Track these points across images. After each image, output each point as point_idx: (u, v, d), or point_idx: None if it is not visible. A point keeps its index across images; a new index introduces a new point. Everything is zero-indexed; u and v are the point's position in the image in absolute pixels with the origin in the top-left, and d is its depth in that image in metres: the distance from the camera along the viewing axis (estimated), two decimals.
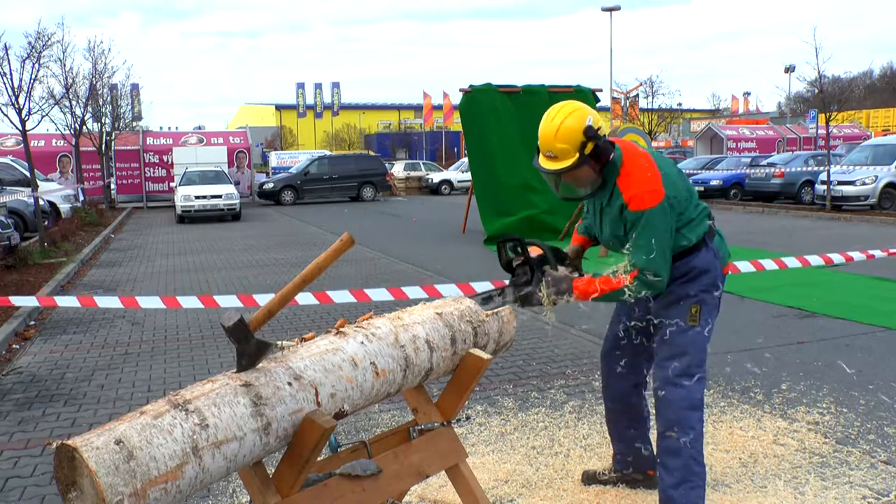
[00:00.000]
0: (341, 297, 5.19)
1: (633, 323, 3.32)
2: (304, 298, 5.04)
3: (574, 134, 2.92)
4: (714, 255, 3.12)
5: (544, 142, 2.99)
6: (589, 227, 3.42)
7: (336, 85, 63.60)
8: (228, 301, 5.05)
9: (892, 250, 6.70)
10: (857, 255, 6.26)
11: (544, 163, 3.03)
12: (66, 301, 5.29)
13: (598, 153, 2.94)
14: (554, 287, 3.05)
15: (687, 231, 3.05)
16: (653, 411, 3.34)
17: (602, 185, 3.03)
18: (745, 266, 5.87)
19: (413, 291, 5.20)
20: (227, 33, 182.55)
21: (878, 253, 6.55)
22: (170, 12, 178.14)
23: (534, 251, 3.17)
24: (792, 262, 6.10)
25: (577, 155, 2.93)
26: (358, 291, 5.23)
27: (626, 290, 2.96)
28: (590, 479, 3.58)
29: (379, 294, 5.19)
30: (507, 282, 3.26)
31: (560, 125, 2.94)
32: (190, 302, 5.10)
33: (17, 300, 5.01)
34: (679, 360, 3.06)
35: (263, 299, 4.90)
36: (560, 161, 2.97)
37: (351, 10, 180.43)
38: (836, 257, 6.14)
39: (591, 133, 2.92)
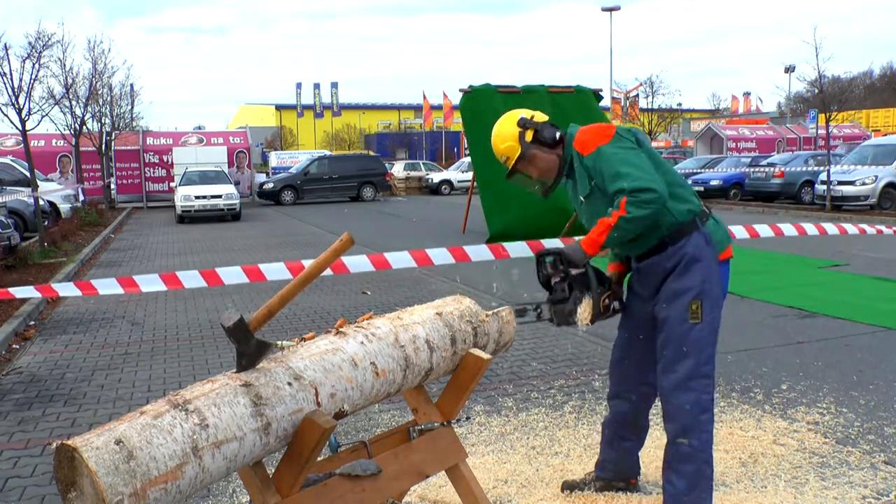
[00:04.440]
0: (358, 263, 5.06)
1: (641, 328, 3.19)
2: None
3: (509, 129, 3.14)
4: (706, 241, 2.98)
5: (496, 153, 3.19)
6: (619, 253, 3.27)
7: (335, 85, 63.57)
8: (232, 275, 4.96)
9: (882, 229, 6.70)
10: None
11: (508, 171, 3.20)
12: (65, 289, 5.24)
13: (540, 137, 3.11)
14: (571, 257, 2.99)
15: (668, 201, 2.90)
16: (647, 414, 3.33)
17: (571, 164, 3.12)
18: (739, 232, 5.84)
19: (439, 255, 5.09)
20: (221, 29, 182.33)
21: (885, 229, 6.51)
22: (135, 8, 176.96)
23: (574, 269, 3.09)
24: (789, 230, 6.09)
25: (521, 146, 3.11)
26: (377, 255, 5.12)
27: (624, 220, 2.81)
28: (570, 488, 3.48)
29: (401, 259, 5.12)
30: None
31: (496, 133, 3.17)
32: (191, 280, 5.00)
33: (16, 291, 5.00)
34: (685, 362, 2.95)
35: (269, 270, 4.86)
36: (511, 159, 3.16)
37: (351, 6, 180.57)
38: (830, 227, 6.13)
39: (523, 122, 3.12)
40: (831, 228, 6.17)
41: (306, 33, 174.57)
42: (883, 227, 6.59)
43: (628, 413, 3.32)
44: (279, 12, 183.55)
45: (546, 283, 3.13)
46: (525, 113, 3.17)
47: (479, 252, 5.17)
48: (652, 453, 3.88)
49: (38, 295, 5.09)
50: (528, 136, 3.11)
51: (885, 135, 31.69)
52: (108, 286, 5.01)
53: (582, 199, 3.09)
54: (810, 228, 6.06)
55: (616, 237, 2.90)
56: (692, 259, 2.95)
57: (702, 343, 2.96)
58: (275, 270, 4.88)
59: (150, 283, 5.00)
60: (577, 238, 3.13)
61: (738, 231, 6.06)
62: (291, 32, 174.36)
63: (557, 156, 3.14)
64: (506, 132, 3.15)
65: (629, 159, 2.88)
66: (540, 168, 3.16)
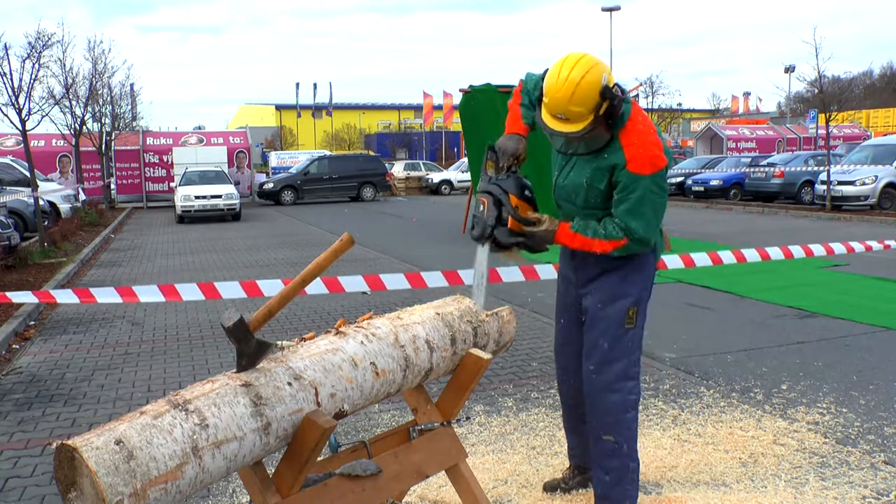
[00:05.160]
0: (353, 283, 5.04)
1: (573, 312, 3.22)
2: (314, 287, 4.77)
3: (591, 97, 2.71)
4: (653, 250, 3.04)
5: (556, 104, 2.74)
6: (533, 117, 3.05)
7: (331, 85, 63.63)
8: (230, 289, 4.97)
9: (887, 242, 6.70)
10: (856, 247, 6.27)
11: (553, 124, 2.80)
12: (63, 296, 5.24)
13: (611, 112, 2.77)
14: (543, 241, 2.96)
15: None
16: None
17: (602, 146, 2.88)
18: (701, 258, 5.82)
19: (433, 278, 5.09)
20: (221, 28, 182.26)
21: (875, 245, 6.56)
22: (129, 6, 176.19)
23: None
24: (776, 252, 6.08)
25: (592, 117, 2.74)
26: (373, 277, 5.09)
27: (605, 252, 2.89)
28: (552, 489, 3.47)
29: (395, 281, 5.09)
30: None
31: (576, 88, 2.69)
32: (189, 293, 4.99)
33: (13, 295, 4.99)
34: (615, 365, 3.00)
35: (266, 286, 4.85)
36: (573, 124, 2.76)
37: (355, 5, 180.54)
38: (838, 247, 6.15)
39: (607, 94, 2.72)
40: (839, 248, 6.18)
41: (306, 33, 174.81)
42: (892, 242, 6.61)
43: (577, 397, 3.28)
44: (279, 11, 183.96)
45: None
46: (607, 73, 2.74)
47: (511, 273, 5.15)
48: (652, 453, 3.88)
49: (35, 300, 5.06)
50: (603, 108, 2.73)
51: (886, 135, 31.70)
52: (106, 295, 5.00)
53: (584, 182, 2.93)
54: (817, 249, 6.08)
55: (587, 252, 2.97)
56: (638, 266, 3.01)
57: (632, 346, 3.04)
58: (272, 286, 4.88)
59: (148, 294, 4.98)
60: (555, 222, 2.97)
61: (750, 254, 6.06)
62: (292, 32, 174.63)
63: (608, 130, 2.83)
64: (586, 97, 2.70)
65: (658, 208, 2.86)
66: (588, 142, 2.87)
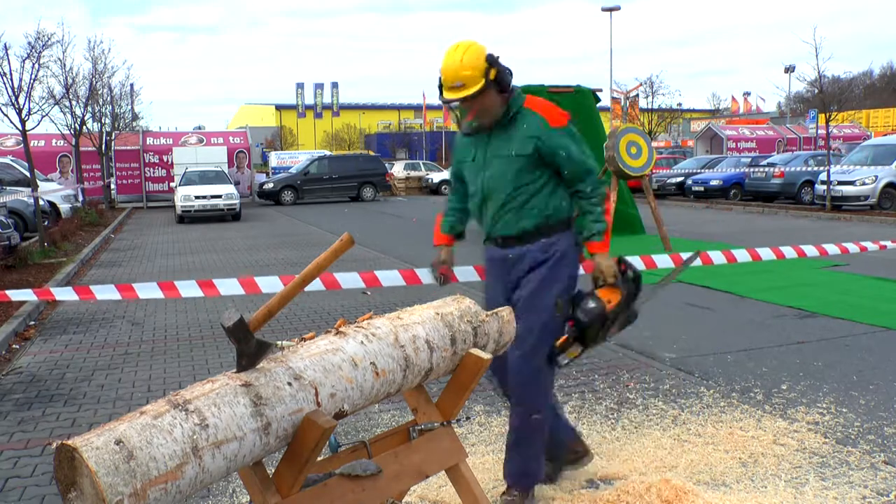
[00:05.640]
0: (350, 280, 5.06)
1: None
2: (312, 285, 4.84)
3: (478, 60, 3.15)
4: (576, 242, 3.31)
5: (450, 73, 3.16)
6: (454, 225, 3.77)
7: (335, 85, 63.63)
8: (228, 286, 4.97)
9: (882, 243, 6.69)
10: (851, 247, 6.27)
11: (452, 94, 3.19)
12: (63, 293, 5.23)
13: (500, 79, 3.17)
14: (606, 268, 3.26)
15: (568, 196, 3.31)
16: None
17: (506, 113, 3.23)
18: (717, 257, 5.81)
19: (426, 274, 5.10)
20: (220, 28, 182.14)
21: (870, 245, 6.55)
22: (126, 5, 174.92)
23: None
24: (766, 253, 6.08)
25: (483, 80, 3.14)
26: (368, 273, 5.11)
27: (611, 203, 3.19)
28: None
29: (390, 278, 5.11)
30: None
31: (463, 55, 3.16)
32: (188, 290, 4.99)
33: (13, 293, 4.98)
34: (542, 349, 3.22)
35: (265, 283, 4.86)
36: (468, 88, 3.15)
37: (355, 5, 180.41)
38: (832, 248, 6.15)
39: (492, 59, 3.16)
40: (832, 249, 6.18)
41: (306, 33, 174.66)
42: (888, 243, 6.60)
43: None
44: (278, 11, 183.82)
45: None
46: (489, 50, 3.24)
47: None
48: (652, 453, 3.88)
49: (34, 298, 5.06)
50: (492, 74, 3.16)
51: (886, 135, 31.71)
52: (106, 292, 4.99)
53: (513, 153, 3.22)
54: (810, 250, 6.09)
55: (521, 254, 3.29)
56: (563, 255, 3.26)
57: (556, 332, 3.25)
58: (271, 283, 4.89)
59: (147, 291, 4.98)
60: (597, 253, 3.29)
61: (748, 254, 6.04)
62: (292, 32, 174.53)
63: (505, 103, 3.24)
64: (474, 61, 3.16)
65: (583, 144, 3.29)
66: (485, 107, 3.22)
